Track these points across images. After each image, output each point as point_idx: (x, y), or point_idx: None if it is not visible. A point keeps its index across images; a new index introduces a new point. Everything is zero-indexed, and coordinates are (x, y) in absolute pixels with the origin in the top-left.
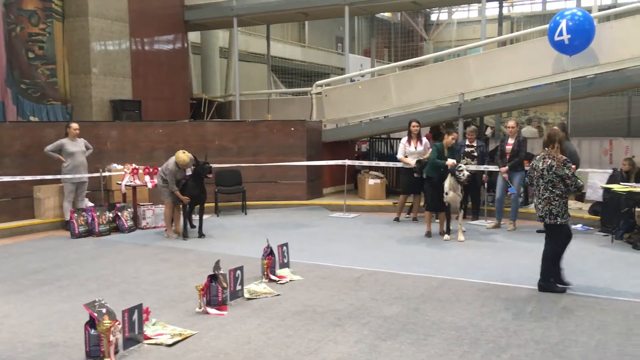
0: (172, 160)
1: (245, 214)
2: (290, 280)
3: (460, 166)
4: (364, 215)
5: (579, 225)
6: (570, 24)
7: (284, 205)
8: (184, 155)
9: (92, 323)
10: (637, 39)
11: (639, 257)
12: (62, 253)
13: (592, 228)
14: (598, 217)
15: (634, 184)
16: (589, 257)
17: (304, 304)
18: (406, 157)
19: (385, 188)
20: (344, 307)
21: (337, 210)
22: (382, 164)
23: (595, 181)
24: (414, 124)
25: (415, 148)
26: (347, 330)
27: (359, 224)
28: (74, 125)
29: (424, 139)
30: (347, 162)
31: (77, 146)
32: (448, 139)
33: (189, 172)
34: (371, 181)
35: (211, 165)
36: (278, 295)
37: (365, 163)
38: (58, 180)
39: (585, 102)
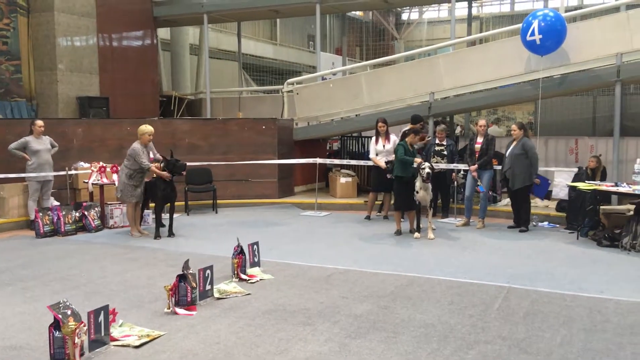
0: (134, 144)
1: (216, 212)
2: (260, 279)
3: (423, 164)
4: (336, 213)
5: (545, 223)
6: (542, 24)
7: (255, 204)
8: (147, 126)
9: (56, 325)
10: (603, 40)
11: (603, 254)
12: (26, 253)
13: (558, 225)
14: (564, 215)
15: (598, 182)
16: (555, 254)
17: (274, 303)
18: (377, 155)
19: (357, 186)
20: (314, 305)
21: (308, 209)
22: (354, 162)
23: (561, 179)
24: (380, 123)
25: (384, 146)
26: (317, 329)
27: (330, 223)
28: (39, 122)
29: (392, 137)
30: (319, 160)
31: (42, 144)
32: (414, 139)
33: (151, 155)
34: (342, 179)
35: (184, 162)
36: (248, 294)
37: (337, 161)
38: (22, 179)
39: (551, 101)
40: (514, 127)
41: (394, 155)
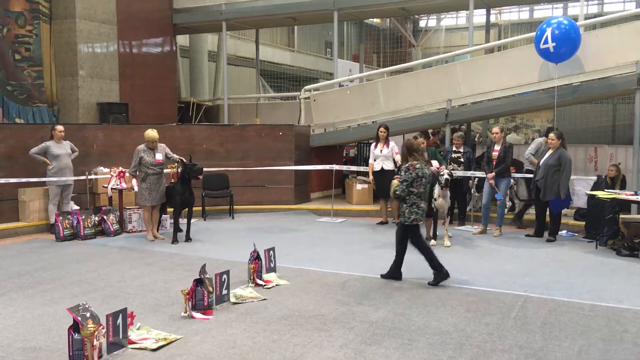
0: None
1: (233, 218)
2: (276, 285)
3: (442, 171)
4: (351, 220)
5: (563, 232)
6: (557, 32)
7: (271, 210)
8: (151, 131)
9: (75, 327)
10: (622, 48)
11: (623, 263)
12: (46, 256)
13: (576, 234)
14: (583, 224)
15: (618, 190)
16: (574, 263)
17: (290, 309)
18: (375, 160)
19: (373, 193)
20: (330, 311)
21: (324, 215)
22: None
23: (580, 188)
24: (381, 129)
25: (381, 151)
26: (333, 334)
27: (346, 229)
28: (59, 127)
29: (391, 143)
30: (335, 167)
31: (63, 149)
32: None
33: (159, 156)
34: (359, 186)
35: (201, 166)
36: (264, 299)
37: (353, 168)
38: (43, 183)
39: (571, 109)
40: (552, 135)
41: (391, 160)
